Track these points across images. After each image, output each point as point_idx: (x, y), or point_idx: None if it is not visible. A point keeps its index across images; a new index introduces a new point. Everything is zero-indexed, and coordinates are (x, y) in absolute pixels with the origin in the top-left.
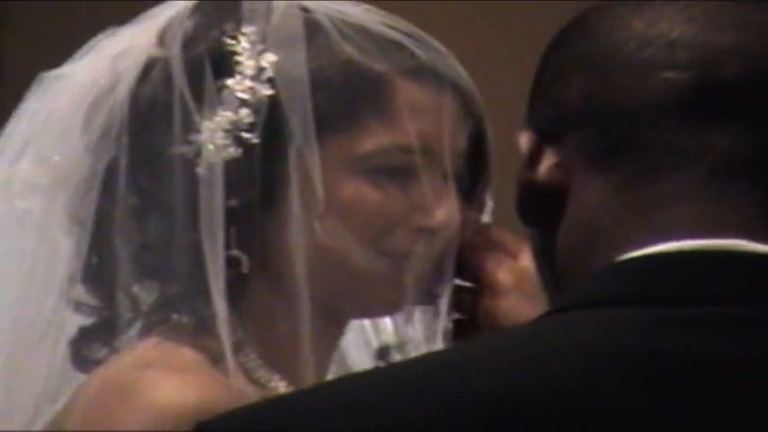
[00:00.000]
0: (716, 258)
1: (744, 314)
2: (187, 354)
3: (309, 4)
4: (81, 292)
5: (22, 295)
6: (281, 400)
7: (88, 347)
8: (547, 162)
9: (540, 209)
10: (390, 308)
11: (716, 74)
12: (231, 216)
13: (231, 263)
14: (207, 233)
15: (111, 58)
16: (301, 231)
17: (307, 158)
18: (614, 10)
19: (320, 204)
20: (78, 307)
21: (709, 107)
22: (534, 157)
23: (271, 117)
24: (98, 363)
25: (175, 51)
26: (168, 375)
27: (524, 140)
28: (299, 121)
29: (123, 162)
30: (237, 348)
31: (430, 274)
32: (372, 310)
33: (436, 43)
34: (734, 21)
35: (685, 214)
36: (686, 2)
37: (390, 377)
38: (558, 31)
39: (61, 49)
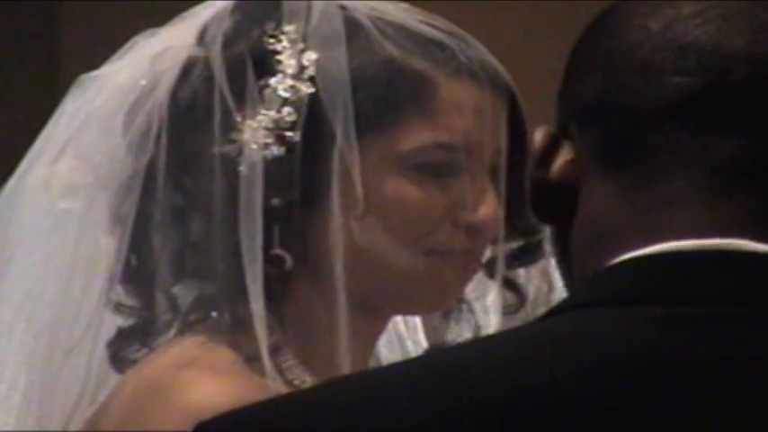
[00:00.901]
0: (715, 257)
1: (743, 313)
2: (224, 354)
3: (349, 4)
4: (120, 293)
5: (61, 296)
6: (281, 398)
7: (127, 348)
8: (562, 158)
9: (552, 206)
10: (434, 306)
11: (722, 80)
12: (274, 215)
13: (275, 262)
14: (246, 232)
15: (151, 59)
16: (342, 231)
17: (347, 158)
18: (637, 8)
19: (360, 204)
20: (117, 308)
21: (713, 112)
22: (550, 153)
23: (312, 115)
24: (136, 364)
25: (216, 51)
26: (204, 376)
27: (539, 135)
28: (340, 120)
29: (163, 162)
30: (275, 349)
31: (473, 272)
32: (415, 308)
33: (476, 42)
34: (750, 25)
35: (685, 215)
36: (707, 1)
37: (391, 377)
38: (587, 25)
39: (116, 49)
